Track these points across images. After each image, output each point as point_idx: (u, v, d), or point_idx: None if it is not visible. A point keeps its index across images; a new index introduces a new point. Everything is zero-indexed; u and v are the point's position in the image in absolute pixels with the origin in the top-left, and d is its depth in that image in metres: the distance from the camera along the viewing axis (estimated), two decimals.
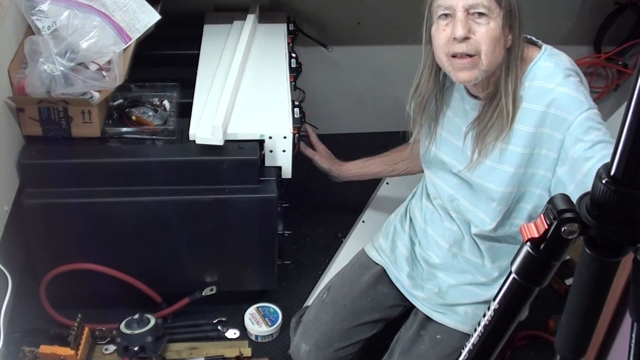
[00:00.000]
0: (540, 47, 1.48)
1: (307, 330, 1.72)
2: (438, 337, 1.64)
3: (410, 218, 1.76)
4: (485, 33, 1.38)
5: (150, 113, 1.82)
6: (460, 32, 1.37)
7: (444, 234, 1.65)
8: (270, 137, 1.76)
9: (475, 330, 0.92)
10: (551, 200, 0.82)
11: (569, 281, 2.02)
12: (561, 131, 1.39)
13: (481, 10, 1.37)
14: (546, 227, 0.81)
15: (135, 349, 1.76)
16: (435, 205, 1.67)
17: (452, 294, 1.65)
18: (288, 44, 2.09)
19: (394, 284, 1.73)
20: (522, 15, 1.42)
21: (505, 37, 1.40)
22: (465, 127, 1.52)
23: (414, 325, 1.67)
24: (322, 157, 2.04)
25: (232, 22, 2.13)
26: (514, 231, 1.55)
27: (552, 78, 1.42)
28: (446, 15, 1.40)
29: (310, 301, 2.00)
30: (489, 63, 1.39)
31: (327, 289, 1.77)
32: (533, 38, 1.50)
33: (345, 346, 1.68)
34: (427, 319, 1.67)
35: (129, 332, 1.77)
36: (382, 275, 1.74)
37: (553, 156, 1.41)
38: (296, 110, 1.84)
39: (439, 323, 1.65)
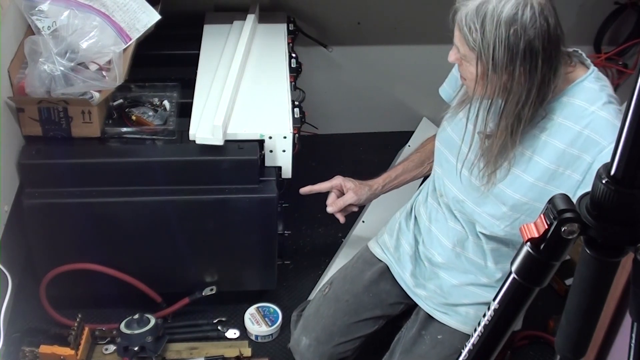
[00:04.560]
0: (588, 66, 1.45)
1: (308, 324, 1.72)
2: (439, 337, 1.64)
3: (415, 216, 1.76)
4: (466, 69, 1.39)
5: (150, 113, 1.82)
6: (450, 57, 1.41)
7: (448, 233, 1.64)
8: (270, 137, 1.76)
9: (475, 330, 0.92)
10: (551, 200, 0.82)
11: (569, 281, 2.02)
12: (591, 154, 1.37)
13: (461, 52, 1.37)
14: (546, 227, 0.82)
15: (135, 349, 1.76)
16: (441, 204, 1.66)
17: (454, 293, 1.65)
18: (288, 44, 2.09)
19: (396, 282, 1.73)
20: (543, 69, 1.34)
21: (493, 82, 1.35)
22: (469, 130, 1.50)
23: (415, 325, 1.67)
24: (357, 192, 1.80)
25: (232, 22, 2.13)
26: None
27: (594, 101, 1.39)
28: None
29: (312, 296, 2.00)
30: (476, 93, 1.39)
31: (329, 284, 1.77)
32: (583, 55, 1.46)
33: (346, 341, 1.68)
34: (429, 318, 1.67)
35: (129, 332, 1.78)
36: (385, 272, 1.74)
37: (577, 178, 1.39)
38: (296, 110, 1.84)
39: (440, 323, 1.65)
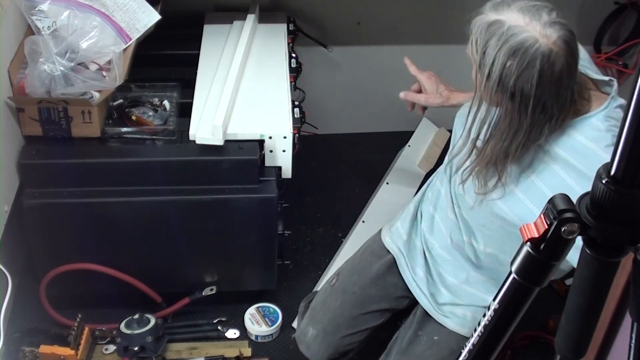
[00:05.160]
0: (608, 96, 1.37)
1: (315, 315, 1.71)
2: (435, 338, 1.63)
3: (421, 211, 1.73)
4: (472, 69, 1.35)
5: (150, 113, 1.82)
6: (467, 50, 1.36)
7: (446, 225, 1.62)
8: (270, 137, 1.76)
9: (475, 330, 0.92)
10: (551, 200, 0.82)
11: (569, 281, 2.02)
12: None
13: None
14: (546, 227, 0.81)
15: (135, 349, 1.76)
16: (446, 190, 1.62)
17: (452, 293, 1.64)
18: (288, 44, 2.09)
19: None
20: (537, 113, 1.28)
21: (487, 98, 1.31)
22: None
23: (413, 325, 1.67)
24: (429, 97, 1.78)
25: (232, 22, 2.13)
26: None
27: (597, 140, 1.32)
28: None
29: (319, 286, 2.00)
30: (476, 92, 1.35)
31: (337, 275, 1.76)
32: (614, 87, 1.38)
33: (352, 333, 1.68)
34: (426, 319, 1.66)
35: (129, 332, 1.78)
36: (393, 265, 1.72)
37: None
38: (296, 110, 1.84)
39: (437, 324, 1.64)
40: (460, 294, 1.64)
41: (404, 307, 1.73)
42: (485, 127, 1.36)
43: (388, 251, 1.74)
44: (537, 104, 1.27)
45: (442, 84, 1.78)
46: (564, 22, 1.28)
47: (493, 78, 1.27)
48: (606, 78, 1.40)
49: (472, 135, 1.40)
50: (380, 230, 1.80)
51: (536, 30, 1.24)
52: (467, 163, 1.43)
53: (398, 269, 1.72)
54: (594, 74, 1.42)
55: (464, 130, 1.43)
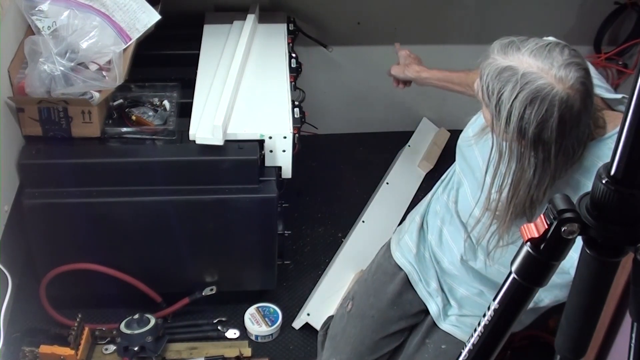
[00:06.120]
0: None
1: (336, 345, 1.68)
2: (443, 347, 1.61)
3: (428, 221, 1.71)
4: (484, 110, 1.31)
5: (150, 113, 1.82)
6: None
7: (458, 242, 1.59)
8: (270, 137, 1.76)
9: (475, 330, 0.92)
10: (551, 200, 0.82)
11: None
12: None
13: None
14: (546, 227, 0.81)
15: (135, 349, 1.76)
16: (453, 207, 1.60)
17: (461, 304, 1.63)
18: (288, 44, 2.09)
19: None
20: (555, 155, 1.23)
21: (508, 143, 1.25)
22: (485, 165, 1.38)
23: (420, 332, 1.65)
24: (394, 67, 1.90)
25: (232, 22, 2.13)
26: None
27: None
28: None
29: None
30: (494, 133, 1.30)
31: (351, 299, 1.73)
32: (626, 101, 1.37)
33: (376, 359, 1.66)
34: (434, 327, 1.65)
35: (129, 332, 1.78)
36: (407, 282, 1.69)
37: None
38: (296, 110, 1.84)
39: (445, 332, 1.62)
40: (468, 305, 1.63)
41: (421, 321, 1.70)
42: (509, 183, 1.30)
43: (400, 268, 1.70)
44: (560, 149, 1.23)
45: (415, 61, 1.87)
46: (577, 60, 1.21)
47: (512, 127, 1.21)
48: (619, 96, 1.36)
49: (494, 196, 1.34)
50: (388, 245, 1.78)
51: (551, 75, 1.18)
52: (492, 228, 1.38)
53: (412, 284, 1.69)
54: (606, 92, 1.37)
55: (481, 195, 1.38)
